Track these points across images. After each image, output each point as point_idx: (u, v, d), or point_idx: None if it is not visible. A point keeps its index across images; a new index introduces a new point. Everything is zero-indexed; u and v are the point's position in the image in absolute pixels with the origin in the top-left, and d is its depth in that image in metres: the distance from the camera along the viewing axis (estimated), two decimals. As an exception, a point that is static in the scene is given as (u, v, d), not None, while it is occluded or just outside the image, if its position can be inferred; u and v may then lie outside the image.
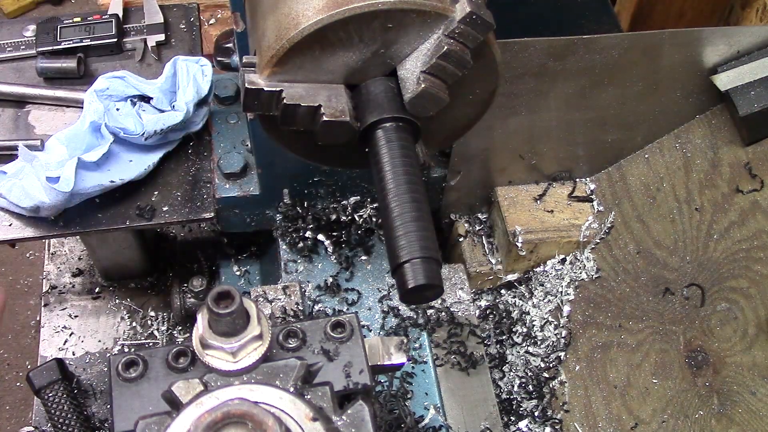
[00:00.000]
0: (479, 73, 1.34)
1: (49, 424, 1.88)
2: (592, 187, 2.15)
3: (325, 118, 1.26)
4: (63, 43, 2.06)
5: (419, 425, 1.80)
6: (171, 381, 1.05)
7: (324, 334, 1.15)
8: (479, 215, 2.23)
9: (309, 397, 1.04)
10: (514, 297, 2.18)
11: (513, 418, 2.00)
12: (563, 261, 2.12)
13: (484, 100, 1.42)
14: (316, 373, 1.12)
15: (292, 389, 1.04)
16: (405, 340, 1.24)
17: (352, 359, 1.14)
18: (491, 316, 2.14)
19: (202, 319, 1.04)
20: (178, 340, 2.15)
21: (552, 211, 2.12)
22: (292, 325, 1.15)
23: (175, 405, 1.03)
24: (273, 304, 1.90)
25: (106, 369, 2.02)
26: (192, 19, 2.20)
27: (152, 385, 1.10)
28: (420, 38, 1.25)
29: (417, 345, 1.95)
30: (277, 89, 1.25)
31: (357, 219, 2.06)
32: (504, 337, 2.11)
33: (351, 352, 1.14)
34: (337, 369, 1.13)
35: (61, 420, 1.86)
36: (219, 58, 2.00)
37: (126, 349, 2.12)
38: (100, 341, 2.10)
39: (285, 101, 1.25)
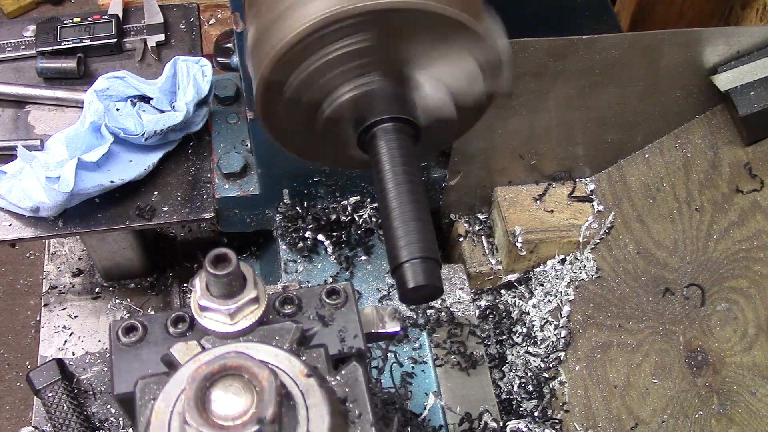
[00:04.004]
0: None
1: (49, 424, 1.88)
2: (592, 187, 2.15)
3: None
4: (63, 43, 2.06)
5: (420, 417, 1.80)
6: (170, 345, 1.07)
7: (319, 300, 1.18)
8: (479, 215, 2.23)
9: (304, 358, 1.06)
10: (514, 297, 2.18)
11: (513, 418, 2.00)
12: (563, 261, 2.12)
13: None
14: (311, 338, 1.14)
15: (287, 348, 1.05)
16: (398, 310, 1.25)
17: (347, 324, 1.16)
18: (491, 316, 2.14)
19: (199, 283, 1.06)
20: (178, 340, 2.15)
21: (552, 211, 2.12)
22: (288, 292, 1.17)
23: (174, 367, 1.04)
24: (273, 304, 1.90)
25: (106, 369, 2.02)
26: (192, 19, 2.20)
27: (151, 349, 1.12)
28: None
29: (417, 345, 1.95)
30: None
31: (357, 219, 2.06)
32: (504, 337, 2.12)
33: (345, 318, 1.16)
34: (332, 334, 1.15)
35: (61, 420, 1.86)
36: (219, 58, 2.00)
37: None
38: (100, 341, 2.10)
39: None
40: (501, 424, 1.84)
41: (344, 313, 1.17)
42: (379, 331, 1.25)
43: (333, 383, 1.04)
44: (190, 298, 2.10)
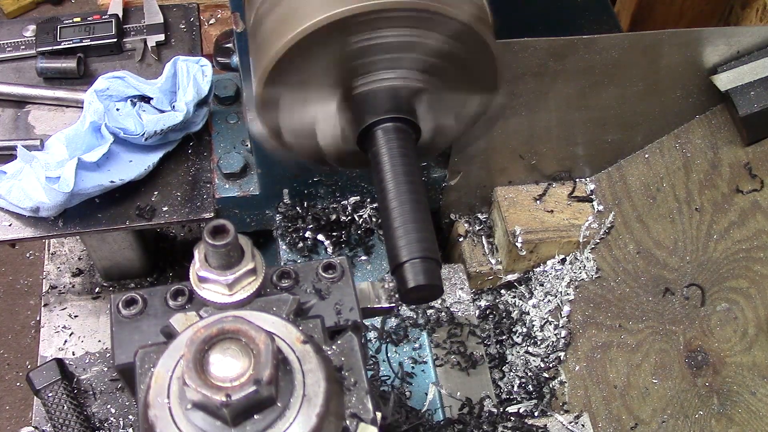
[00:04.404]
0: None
1: (49, 424, 1.88)
2: (592, 187, 2.15)
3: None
4: (63, 43, 2.06)
5: (422, 411, 1.80)
6: (169, 317, 1.09)
7: (316, 274, 1.19)
8: (479, 215, 2.23)
9: (301, 327, 1.07)
10: (514, 297, 2.18)
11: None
12: (563, 261, 2.12)
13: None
14: (308, 310, 1.16)
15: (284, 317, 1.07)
16: (392, 288, 1.26)
17: (343, 298, 1.18)
18: (491, 316, 2.14)
19: (198, 254, 1.07)
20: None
21: (552, 211, 2.12)
22: (285, 266, 1.19)
23: (173, 338, 1.05)
24: (273, 304, 1.90)
25: (106, 369, 2.02)
26: (192, 19, 2.20)
27: (151, 322, 1.14)
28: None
29: (417, 345, 1.95)
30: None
31: (357, 219, 2.06)
32: (504, 337, 2.12)
33: (342, 292, 1.18)
34: (329, 307, 1.17)
35: (60, 420, 1.86)
36: (219, 58, 2.00)
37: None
38: (100, 341, 2.10)
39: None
40: (501, 409, 1.85)
41: (340, 287, 1.19)
42: (375, 306, 1.27)
43: (329, 352, 1.05)
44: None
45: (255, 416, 0.91)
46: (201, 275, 1.06)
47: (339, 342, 1.07)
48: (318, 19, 1.19)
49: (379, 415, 1.01)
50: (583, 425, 1.86)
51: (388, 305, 1.27)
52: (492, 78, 1.36)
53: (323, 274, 1.19)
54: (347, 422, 0.99)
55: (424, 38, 1.24)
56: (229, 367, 0.89)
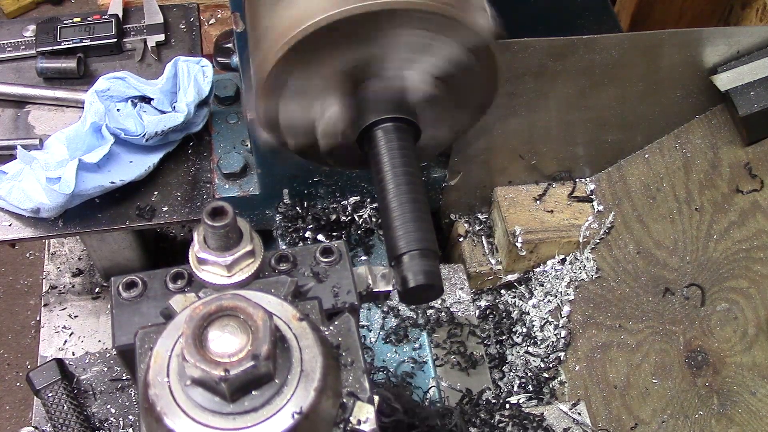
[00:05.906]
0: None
1: (49, 424, 1.88)
2: (592, 187, 2.15)
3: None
4: (63, 43, 2.06)
5: (424, 402, 1.81)
6: (169, 299, 1.10)
7: (314, 258, 1.21)
8: (479, 215, 2.23)
9: (298, 307, 1.08)
10: (514, 297, 2.18)
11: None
12: (563, 261, 2.12)
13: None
14: (305, 293, 1.17)
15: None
16: (391, 271, 1.27)
17: (340, 281, 1.19)
18: (491, 316, 2.14)
19: (197, 236, 1.08)
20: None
21: (552, 211, 2.12)
22: (283, 250, 1.21)
23: (172, 320, 1.06)
24: (273, 304, 1.90)
25: (106, 369, 2.02)
26: (192, 19, 2.20)
27: (151, 304, 1.15)
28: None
29: (417, 345, 1.95)
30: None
31: (357, 219, 2.06)
32: (504, 337, 2.12)
33: (339, 275, 1.20)
34: (326, 290, 1.18)
35: (60, 420, 1.86)
36: (219, 59, 2.00)
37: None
38: (100, 341, 2.10)
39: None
40: (501, 400, 1.85)
41: (338, 270, 1.20)
42: (372, 289, 1.27)
43: (326, 333, 1.06)
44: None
45: (253, 392, 0.92)
46: (200, 257, 1.07)
47: (336, 323, 1.08)
48: (318, 20, 1.19)
49: (376, 398, 1.01)
50: (579, 413, 1.86)
51: (385, 290, 1.28)
52: (491, 88, 1.37)
53: (321, 258, 1.20)
54: (344, 400, 1.00)
55: (436, 43, 1.25)
56: (227, 343, 0.91)
